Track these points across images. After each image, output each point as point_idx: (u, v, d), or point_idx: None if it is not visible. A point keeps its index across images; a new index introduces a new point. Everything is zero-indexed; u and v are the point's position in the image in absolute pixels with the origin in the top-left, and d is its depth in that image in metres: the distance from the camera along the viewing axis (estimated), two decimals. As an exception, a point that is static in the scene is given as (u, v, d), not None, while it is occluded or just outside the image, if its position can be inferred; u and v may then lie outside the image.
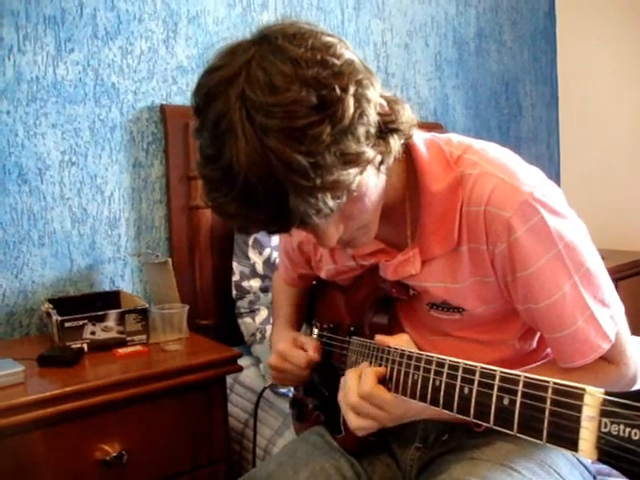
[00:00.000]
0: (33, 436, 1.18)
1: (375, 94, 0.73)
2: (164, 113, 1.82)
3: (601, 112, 2.89)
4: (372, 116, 0.71)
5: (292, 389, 1.29)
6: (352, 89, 0.68)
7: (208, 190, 0.72)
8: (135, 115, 1.80)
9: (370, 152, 0.71)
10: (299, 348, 1.06)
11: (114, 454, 1.25)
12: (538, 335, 0.96)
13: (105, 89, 1.74)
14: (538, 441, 0.57)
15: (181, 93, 1.88)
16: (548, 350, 0.98)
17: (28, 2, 1.61)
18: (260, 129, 0.65)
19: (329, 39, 0.71)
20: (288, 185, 0.66)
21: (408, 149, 0.88)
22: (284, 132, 0.65)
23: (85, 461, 1.23)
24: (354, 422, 0.84)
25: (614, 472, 0.96)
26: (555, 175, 3.00)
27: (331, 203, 0.69)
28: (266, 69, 0.66)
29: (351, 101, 0.68)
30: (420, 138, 0.90)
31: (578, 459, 0.97)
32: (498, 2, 2.81)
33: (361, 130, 0.69)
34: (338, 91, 0.67)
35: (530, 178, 0.83)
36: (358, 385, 0.82)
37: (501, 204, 0.81)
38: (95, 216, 1.74)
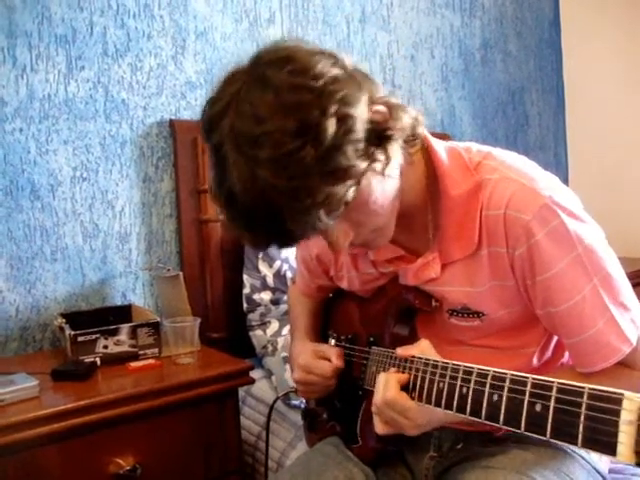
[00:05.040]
0: (47, 450, 1.18)
1: (362, 108, 0.73)
2: (173, 128, 1.83)
3: (608, 120, 2.89)
4: (359, 131, 0.72)
5: (304, 400, 1.28)
6: (333, 109, 0.70)
7: (220, 210, 0.78)
8: (145, 130, 1.82)
9: (362, 164, 0.73)
10: (321, 358, 1.06)
11: (128, 467, 1.25)
12: (554, 344, 0.96)
13: (115, 105, 1.76)
14: (573, 446, 0.58)
15: (190, 108, 1.90)
16: (563, 360, 0.98)
17: (40, 23, 1.64)
18: (250, 159, 0.69)
19: (312, 59, 0.73)
20: (281, 209, 0.70)
21: (428, 155, 0.90)
22: (270, 161, 0.69)
23: (99, 475, 1.24)
24: (377, 423, 0.85)
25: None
26: (563, 183, 2.99)
27: (326, 218, 0.73)
28: (251, 101, 0.71)
29: (331, 122, 0.69)
30: (440, 145, 0.91)
31: (595, 467, 0.97)
32: (503, 13, 2.83)
33: (347, 147, 0.71)
34: (317, 114, 0.69)
35: (549, 183, 0.85)
36: (383, 391, 0.83)
37: (521, 207, 0.82)
38: (106, 231, 1.76)
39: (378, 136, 0.76)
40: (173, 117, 1.86)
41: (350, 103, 0.72)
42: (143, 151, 1.82)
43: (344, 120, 0.70)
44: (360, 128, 0.72)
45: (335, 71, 0.73)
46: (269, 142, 0.68)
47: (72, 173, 1.70)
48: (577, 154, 3.08)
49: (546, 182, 0.84)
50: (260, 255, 1.80)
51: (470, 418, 0.72)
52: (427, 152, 0.90)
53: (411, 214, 0.90)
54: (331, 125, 0.69)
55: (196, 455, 1.37)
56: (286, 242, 0.78)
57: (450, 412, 0.75)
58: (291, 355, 1.18)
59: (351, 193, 0.73)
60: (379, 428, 0.85)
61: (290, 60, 0.72)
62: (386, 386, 0.82)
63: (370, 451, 1.02)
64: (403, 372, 0.85)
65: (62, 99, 1.68)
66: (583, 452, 0.96)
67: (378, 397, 0.83)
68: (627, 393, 0.54)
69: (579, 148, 3.07)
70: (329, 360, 1.05)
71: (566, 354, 0.97)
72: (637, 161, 2.82)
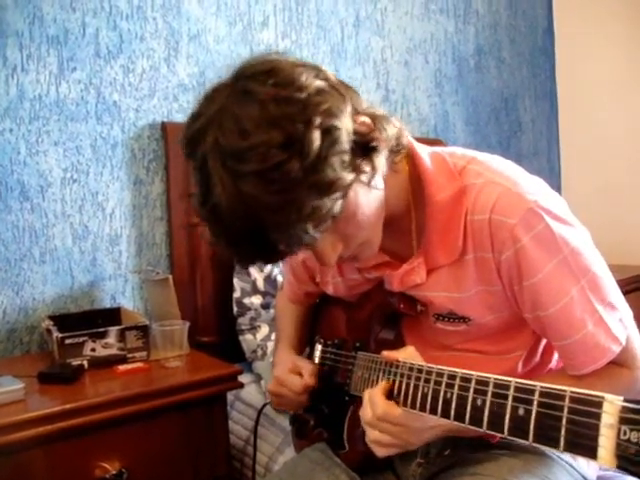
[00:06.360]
0: (32, 454, 1.17)
1: (347, 120, 0.74)
2: (165, 131, 1.83)
3: (601, 126, 2.90)
4: (345, 143, 0.72)
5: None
6: (317, 121, 0.70)
7: (206, 227, 0.78)
8: (136, 133, 1.81)
9: (348, 176, 0.73)
10: (296, 373, 1.05)
11: (114, 472, 1.24)
12: (541, 348, 0.95)
13: (107, 107, 1.76)
14: (555, 450, 0.57)
15: (182, 111, 1.89)
16: (551, 365, 0.98)
17: (32, 23, 1.63)
18: (234, 175, 0.69)
19: (296, 70, 0.73)
20: (267, 223, 0.70)
21: (412, 161, 0.89)
22: (256, 174, 0.68)
23: (84, 479, 1.22)
24: (372, 436, 0.81)
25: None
26: (556, 189, 2.96)
27: (313, 232, 0.72)
28: (236, 115, 0.70)
29: (316, 134, 0.69)
30: (424, 150, 0.91)
31: (582, 475, 0.96)
32: (497, 19, 2.84)
33: (333, 159, 0.71)
34: (302, 126, 0.69)
35: (534, 187, 0.85)
36: (370, 408, 0.81)
37: (506, 212, 0.81)
38: (96, 233, 1.75)
39: (363, 147, 0.76)
40: (165, 120, 1.85)
41: (334, 115, 0.72)
42: (134, 153, 1.81)
43: (329, 132, 0.70)
44: (345, 140, 0.72)
45: (318, 83, 0.73)
46: (254, 156, 0.68)
47: (62, 174, 1.69)
48: (570, 160, 3.09)
49: (531, 186, 0.84)
50: (251, 259, 1.79)
51: (454, 423, 0.71)
52: (411, 158, 0.90)
53: (396, 221, 0.90)
54: (316, 137, 0.69)
55: (184, 459, 1.36)
56: (271, 258, 0.78)
57: (441, 419, 0.74)
58: (273, 365, 1.17)
59: (338, 206, 0.73)
60: (379, 452, 0.82)
61: (273, 72, 0.72)
62: (372, 402, 0.81)
63: (357, 457, 1.01)
64: (388, 378, 0.84)
65: (53, 100, 1.67)
66: (571, 459, 0.96)
67: (368, 416, 0.81)
68: (608, 396, 0.53)
69: (572, 154, 3.08)
70: (302, 376, 1.04)
71: (554, 359, 0.97)
72: (630, 168, 2.83)
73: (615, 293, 0.85)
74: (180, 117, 1.88)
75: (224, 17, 1.98)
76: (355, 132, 0.74)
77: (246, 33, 2.02)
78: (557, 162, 3.13)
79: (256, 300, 1.78)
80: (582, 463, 0.97)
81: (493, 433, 0.66)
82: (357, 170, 0.74)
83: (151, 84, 1.83)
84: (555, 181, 3.07)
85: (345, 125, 0.73)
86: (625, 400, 0.52)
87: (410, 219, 0.91)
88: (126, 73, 1.79)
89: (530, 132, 3.01)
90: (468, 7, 2.71)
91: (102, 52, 1.74)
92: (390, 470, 1.04)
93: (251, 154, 0.68)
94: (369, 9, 2.36)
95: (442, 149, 0.93)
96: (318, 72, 0.75)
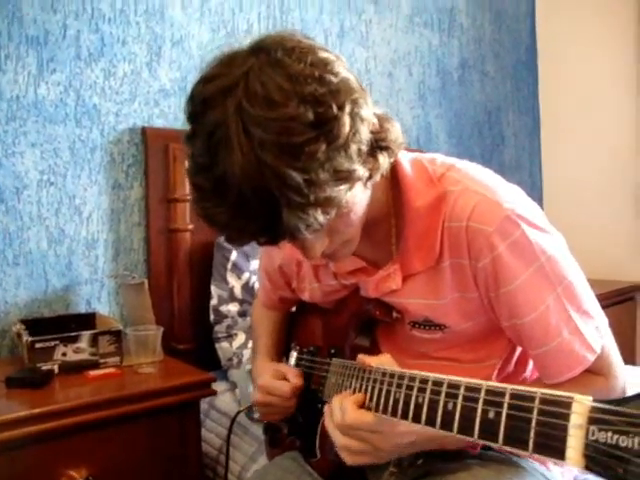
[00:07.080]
0: (-4, 460, 1.14)
1: (368, 112, 0.74)
2: (145, 135, 1.81)
3: (582, 141, 2.93)
4: (365, 134, 0.73)
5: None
6: (348, 107, 0.70)
7: (198, 199, 0.73)
8: (116, 137, 1.79)
9: (360, 169, 0.73)
10: (280, 378, 1.03)
11: (80, 480, 1.21)
12: (516, 358, 0.95)
13: (86, 110, 1.74)
14: (524, 452, 0.56)
15: (163, 116, 1.88)
16: (525, 374, 0.97)
17: (11, 22, 1.61)
18: (257, 143, 0.66)
19: (327, 55, 0.73)
20: (281, 200, 0.67)
21: (393, 166, 0.89)
22: (280, 147, 0.66)
23: (50, 487, 1.20)
24: (341, 442, 0.79)
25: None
26: (538, 203, 3.01)
27: (321, 218, 0.70)
28: (264, 83, 0.67)
29: (347, 119, 0.69)
30: (405, 157, 0.91)
31: (555, 484, 0.96)
32: (481, 34, 2.86)
33: (354, 148, 0.71)
34: (335, 109, 0.68)
35: (511, 195, 0.85)
36: (341, 415, 0.79)
37: (483, 219, 0.81)
38: (72, 237, 1.72)
39: (375, 145, 0.76)
40: (145, 124, 1.84)
41: (361, 105, 0.72)
42: (113, 157, 1.79)
43: (355, 121, 0.71)
44: (365, 132, 0.73)
45: (347, 73, 0.73)
46: (281, 128, 0.65)
47: (39, 177, 1.67)
48: (551, 175, 3.12)
49: (508, 194, 0.84)
50: (229, 266, 1.77)
51: (427, 430, 0.70)
52: (392, 164, 0.89)
53: (374, 226, 0.89)
54: (347, 122, 0.69)
55: (155, 467, 1.33)
56: (273, 237, 0.73)
57: (413, 425, 0.73)
58: (252, 375, 1.15)
59: (345, 198, 0.72)
60: (348, 459, 0.80)
61: (308, 52, 0.71)
62: (343, 408, 0.79)
63: (329, 465, 0.99)
64: (361, 384, 0.83)
65: (31, 101, 1.65)
66: (544, 469, 0.95)
67: (337, 420, 0.79)
68: (577, 396, 0.52)
69: (553, 169, 3.11)
70: (288, 380, 1.01)
71: (528, 369, 0.97)
72: (610, 183, 2.86)
73: (591, 301, 0.85)
74: (161, 122, 1.87)
75: (208, 24, 1.97)
76: (370, 130, 0.75)
77: (229, 40, 2.02)
78: (539, 176, 3.15)
79: (233, 308, 1.76)
80: (556, 473, 0.96)
81: (463, 437, 0.65)
82: (365, 165, 0.74)
83: (132, 88, 1.82)
84: (536, 195, 3.09)
85: (367, 118, 0.73)
86: (594, 400, 0.51)
87: (389, 225, 0.91)
88: (107, 76, 1.77)
89: (512, 146, 3.04)
90: (452, 21, 2.73)
91: (83, 54, 1.73)
92: (362, 479, 1.02)
93: (277, 125, 0.65)
94: (354, 20, 2.37)
95: (422, 156, 0.93)
96: (344, 63, 0.75)
